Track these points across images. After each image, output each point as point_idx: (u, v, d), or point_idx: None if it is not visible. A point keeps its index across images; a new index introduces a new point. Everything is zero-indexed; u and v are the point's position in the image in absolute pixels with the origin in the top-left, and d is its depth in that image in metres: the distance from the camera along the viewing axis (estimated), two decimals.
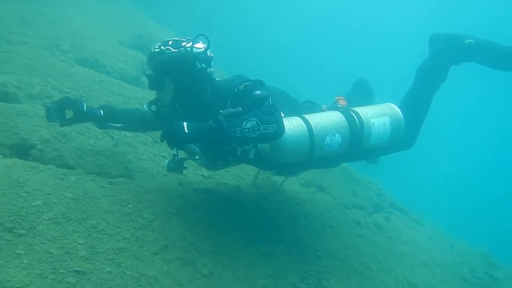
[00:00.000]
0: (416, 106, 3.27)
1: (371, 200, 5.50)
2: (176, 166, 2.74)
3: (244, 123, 2.45)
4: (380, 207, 5.38)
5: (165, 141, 2.53)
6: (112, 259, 2.29)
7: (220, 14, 14.75)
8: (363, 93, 3.91)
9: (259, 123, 2.46)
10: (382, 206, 5.49)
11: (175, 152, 2.69)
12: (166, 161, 2.77)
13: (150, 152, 3.74)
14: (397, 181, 9.08)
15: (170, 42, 2.86)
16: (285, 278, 2.88)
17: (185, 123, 2.48)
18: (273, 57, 15.24)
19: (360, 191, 5.63)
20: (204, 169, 3.58)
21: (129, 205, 2.77)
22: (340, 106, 3.29)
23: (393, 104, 3.16)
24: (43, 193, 2.56)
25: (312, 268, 3.13)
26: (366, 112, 3.01)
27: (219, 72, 4.72)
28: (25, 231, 2.23)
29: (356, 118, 2.94)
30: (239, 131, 2.45)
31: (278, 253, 3.08)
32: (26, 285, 1.90)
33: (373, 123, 2.96)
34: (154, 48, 2.88)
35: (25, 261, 2.04)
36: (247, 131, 2.45)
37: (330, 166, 3.58)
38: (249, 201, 3.71)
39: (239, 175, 4.11)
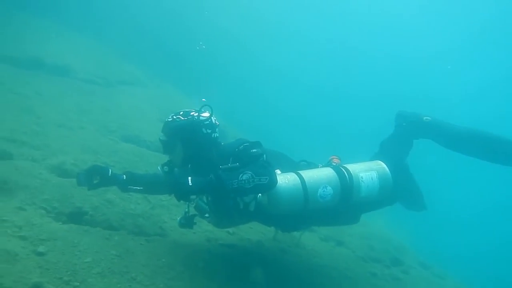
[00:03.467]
0: (394, 167, 3.39)
1: (389, 253, 5.50)
2: (187, 222, 3.02)
3: (241, 175, 2.73)
4: (398, 261, 5.34)
5: (173, 194, 2.81)
6: None
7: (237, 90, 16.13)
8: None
9: (253, 175, 2.73)
10: (401, 260, 5.45)
11: (186, 210, 2.99)
12: (178, 218, 3.03)
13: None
14: (422, 236, 8.89)
15: (181, 113, 3.23)
16: None
17: (189, 178, 2.78)
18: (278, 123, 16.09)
19: (379, 245, 5.66)
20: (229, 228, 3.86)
21: (163, 259, 3.08)
22: (334, 164, 3.48)
23: (380, 161, 3.36)
24: (92, 251, 2.93)
25: None
26: (355, 167, 3.24)
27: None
28: (78, 283, 2.57)
29: (345, 172, 3.16)
30: (236, 182, 2.71)
31: None
32: None
33: (362, 177, 3.17)
34: (168, 118, 3.25)
35: None
36: (243, 182, 2.71)
37: (331, 224, 3.70)
38: (270, 254, 3.92)
39: (262, 231, 4.35)
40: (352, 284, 3.90)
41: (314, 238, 4.88)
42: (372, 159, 3.50)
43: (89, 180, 3.16)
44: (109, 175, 3.21)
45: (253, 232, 4.27)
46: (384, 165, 3.29)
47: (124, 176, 3.30)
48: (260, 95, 18.01)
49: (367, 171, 3.22)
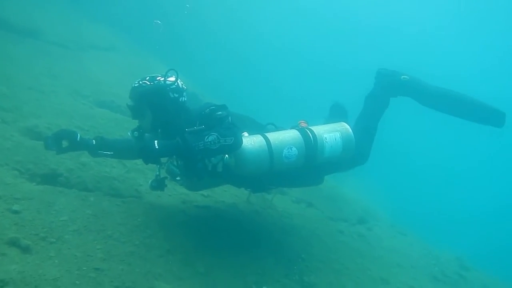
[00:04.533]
0: (365, 128, 3.63)
1: (356, 214, 5.77)
2: (158, 184, 3.06)
3: (206, 137, 2.78)
4: (364, 220, 5.63)
5: (141, 158, 2.82)
6: (124, 260, 2.65)
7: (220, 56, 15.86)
8: (339, 115, 4.16)
9: (219, 136, 2.78)
10: (367, 219, 5.74)
11: (157, 173, 3.02)
12: (150, 181, 3.07)
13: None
14: (389, 196, 9.29)
15: (147, 78, 3.20)
16: (271, 275, 3.18)
17: (156, 141, 2.79)
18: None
19: (348, 207, 5.92)
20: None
21: (139, 219, 3.15)
22: (301, 127, 3.49)
23: (344, 123, 3.46)
24: (68, 210, 2.96)
25: (295, 267, 3.42)
26: (319, 129, 3.32)
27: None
28: (55, 240, 2.61)
29: (310, 134, 3.24)
30: (202, 144, 2.76)
31: (266, 255, 3.39)
32: (57, 277, 2.26)
33: (326, 138, 3.26)
34: (134, 83, 3.20)
35: (56, 261, 2.42)
36: (209, 144, 2.76)
37: (297, 185, 3.82)
38: (243, 215, 4.05)
39: (235, 194, 4.46)
40: (320, 240, 4.11)
41: (286, 201, 5.05)
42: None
43: (58, 144, 3.14)
44: (78, 139, 3.19)
45: (227, 195, 4.37)
46: (348, 127, 3.39)
47: (94, 141, 3.29)
48: (244, 60, 17.78)
49: (331, 132, 3.31)
